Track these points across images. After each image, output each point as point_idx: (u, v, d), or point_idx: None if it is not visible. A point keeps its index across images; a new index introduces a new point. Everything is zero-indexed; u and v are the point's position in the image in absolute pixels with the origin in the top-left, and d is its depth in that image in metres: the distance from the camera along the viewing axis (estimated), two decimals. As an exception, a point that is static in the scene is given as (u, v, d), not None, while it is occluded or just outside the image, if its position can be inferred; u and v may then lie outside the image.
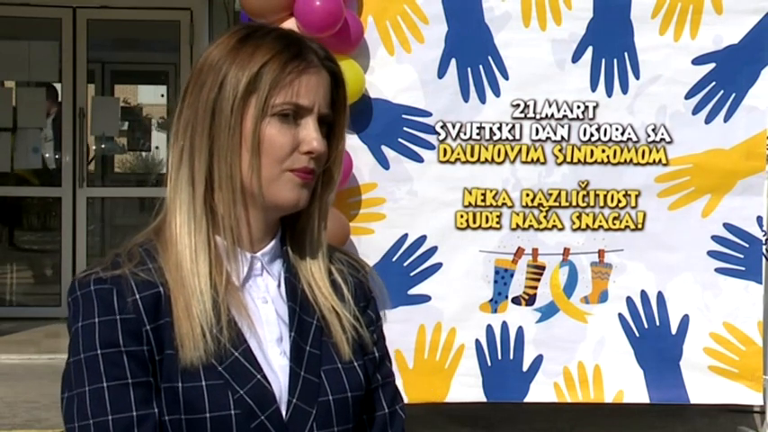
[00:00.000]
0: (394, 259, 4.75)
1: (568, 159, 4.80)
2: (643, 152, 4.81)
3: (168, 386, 1.53)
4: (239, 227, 1.61)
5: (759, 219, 4.84)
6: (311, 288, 1.67)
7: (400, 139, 4.75)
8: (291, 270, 1.67)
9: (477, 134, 4.77)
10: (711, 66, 4.80)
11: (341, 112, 1.68)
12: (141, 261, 1.57)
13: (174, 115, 1.63)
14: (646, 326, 4.84)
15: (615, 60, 4.79)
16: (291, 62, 1.59)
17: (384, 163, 4.74)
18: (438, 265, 4.76)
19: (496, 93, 4.77)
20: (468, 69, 4.75)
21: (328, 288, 1.68)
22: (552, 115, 4.79)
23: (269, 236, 1.66)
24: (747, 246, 4.85)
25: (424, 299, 4.77)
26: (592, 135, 4.80)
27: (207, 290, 1.55)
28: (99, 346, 1.51)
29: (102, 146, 11.28)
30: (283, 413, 1.57)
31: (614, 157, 4.81)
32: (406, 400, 1.82)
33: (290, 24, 4.49)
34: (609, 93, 4.79)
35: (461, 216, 4.78)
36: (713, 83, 4.80)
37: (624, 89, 4.79)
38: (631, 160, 4.81)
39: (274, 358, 1.59)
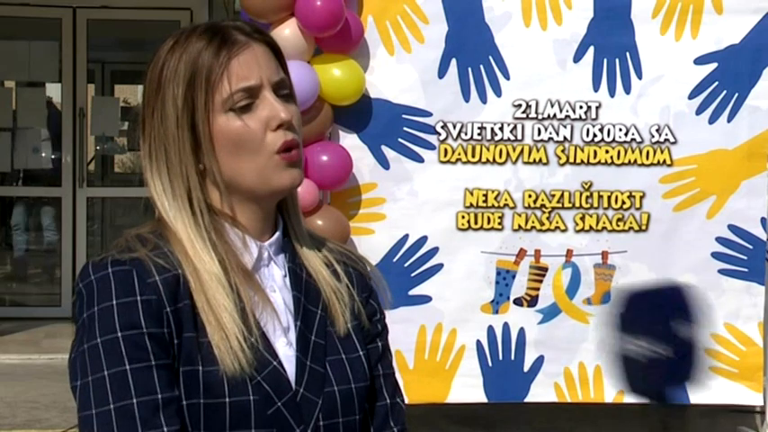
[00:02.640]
0: (395, 260, 4.75)
1: (571, 160, 4.79)
2: (647, 153, 4.80)
3: (188, 369, 1.51)
4: (240, 218, 1.61)
5: (763, 220, 4.83)
6: (315, 279, 1.67)
7: (400, 139, 4.74)
8: (296, 260, 1.66)
9: (479, 134, 4.77)
10: (713, 66, 4.79)
11: (290, 77, 1.68)
12: (156, 245, 1.56)
13: (138, 144, 1.63)
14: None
15: (617, 60, 4.78)
16: (220, 52, 1.57)
17: (384, 163, 4.74)
18: (439, 266, 4.75)
19: (497, 93, 4.76)
20: (469, 69, 4.74)
21: (331, 278, 1.68)
22: (554, 115, 4.78)
23: (271, 226, 1.65)
24: (751, 247, 4.84)
25: (425, 299, 4.76)
26: (595, 135, 4.79)
27: (222, 283, 1.55)
28: (119, 328, 1.48)
29: (103, 146, 11.29)
30: None
31: (618, 157, 4.79)
32: (406, 401, 1.81)
33: (291, 24, 4.48)
34: (611, 93, 4.78)
35: (462, 217, 4.77)
36: (716, 83, 4.79)
37: (627, 89, 4.78)
38: (635, 161, 4.80)
39: (281, 347, 1.59)
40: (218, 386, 1.51)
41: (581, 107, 4.79)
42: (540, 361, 4.82)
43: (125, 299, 1.50)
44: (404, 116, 4.74)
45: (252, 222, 1.62)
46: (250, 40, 1.60)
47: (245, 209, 1.61)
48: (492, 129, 4.77)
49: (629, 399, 4.86)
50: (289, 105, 1.60)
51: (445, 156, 4.75)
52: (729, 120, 4.81)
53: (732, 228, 4.83)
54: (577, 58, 4.77)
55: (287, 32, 4.48)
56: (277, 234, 1.65)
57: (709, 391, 4.87)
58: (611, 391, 4.84)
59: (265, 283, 1.62)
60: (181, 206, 1.58)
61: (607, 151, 4.80)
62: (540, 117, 4.78)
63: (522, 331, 4.81)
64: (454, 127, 4.75)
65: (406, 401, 1.83)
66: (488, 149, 4.77)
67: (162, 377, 1.49)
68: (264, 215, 1.63)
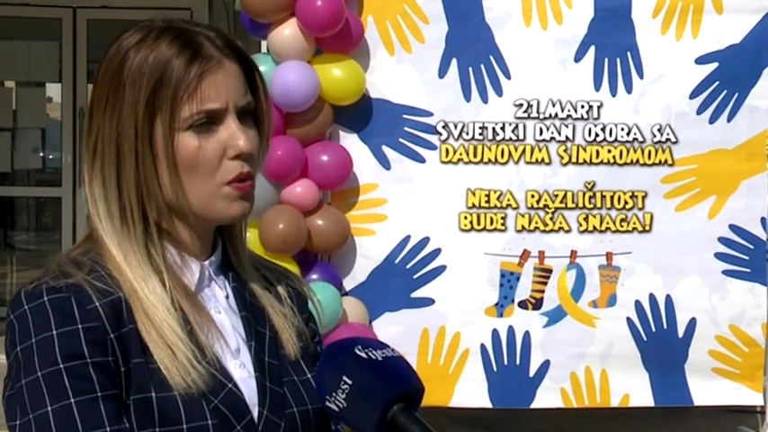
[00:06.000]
0: (397, 261, 4.73)
1: (573, 160, 4.77)
2: (649, 152, 4.79)
3: (140, 397, 1.43)
4: (179, 237, 1.54)
5: (763, 220, 4.83)
6: (259, 300, 1.61)
7: (401, 140, 4.73)
8: (239, 281, 1.60)
9: (480, 134, 4.76)
10: (714, 65, 4.78)
11: (262, 98, 1.57)
12: (92, 268, 1.47)
13: (84, 133, 1.54)
14: (653, 330, 4.81)
15: (618, 60, 4.77)
16: (190, 67, 1.48)
17: (385, 163, 4.73)
18: (442, 268, 4.74)
19: (498, 92, 4.75)
20: (470, 69, 4.74)
21: (275, 300, 1.63)
22: (556, 115, 4.77)
23: (210, 246, 1.59)
24: (752, 247, 4.83)
25: (428, 302, 4.74)
26: (597, 135, 4.78)
27: (162, 299, 1.47)
28: (60, 359, 1.39)
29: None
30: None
31: (620, 157, 4.78)
32: None
33: (291, 24, 4.48)
34: (613, 92, 4.77)
35: (465, 218, 4.76)
36: (716, 82, 4.79)
37: (628, 88, 4.77)
38: (637, 161, 4.79)
39: (234, 370, 1.52)
40: (174, 412, 1.43)
41: (582, 107, 4.78)
42: (545, 366, 4.80)
43: (65, 328, 1.41)
44: (404, 116, 4.73)
45: (191, 241, 1.55)
46: (222, 57, 1.51)
47: (186, 227, 1.54)
48: (493, 128, 4.76)
49: (635, 402, 4.84)
50: (250, 132, 1.53)
51: (447, 156, 4.74)
52: (729, 119, 4.80)
53: (733, 228, 4.83)
54: (578, 57, 4.77)
55: (287, 32, 4.48)
56: (216, 253, 1.59)
57: (712, 393, 4.86)
58: (617, 395, 4.83)
59: (209, 305, 1.55)
60: (120, 218, 1.50)
61: (609, 151, 4.78)
62: (541, 117, 4.77)
63: (527, 335, 4.79)
64: (455, 127, 4.74)
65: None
66: (490, 149, 4.76)
67: (109, 409, 1.40)
68: (205, 234, 1.57)
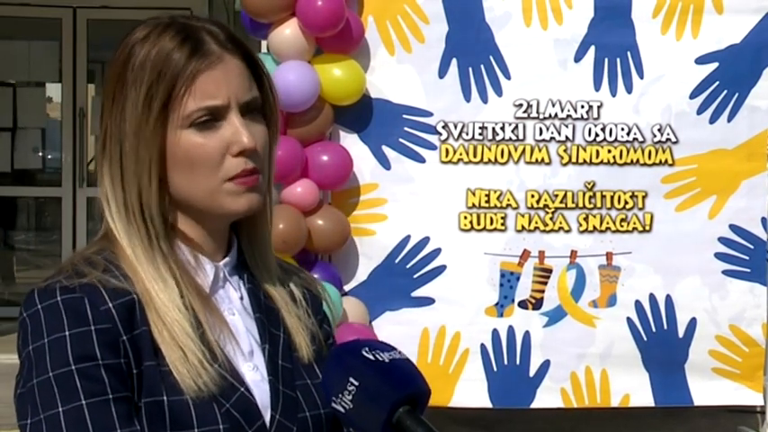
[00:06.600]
0: (397, 261, 4.74)
1: (573, 160, 4.78)
2: (649, 152, 4.79)
3: (151, 400, 1.42)
4: (191, 236, 1.53)
5: (763, 220, 4.83)
6: (274, 302, 1.59)
7: (401, 140, 4.73)
8: (254, 282, 1.59)
9: (480, 134, 4.76)
10: (714, 65, 4.78)
11: (268, 92, 1.55)
12: (106, 268, 1.46)
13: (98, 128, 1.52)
14: (654, 330, 4.82)
15: (618, 60, 4.78)
16: (189, 62, 1.46)
17: (385, 163, 4.73)
18: (442, 268, 4.74)
19: (498, 92, 4.75)
20: (470, 69, 4.74)
21: (290, 302, 1.61)
22: (556, 115, 4.77)
23: (225, 246, 1.57)
24: (752, 247, 4.84)
25: (428, 302, 4.74)
26: (597, 135, 4.78)
27: (174, 299, 1.46)
28: (72, 360, 1.38)
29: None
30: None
31: (620, 157, 4.79)
32: None
33: (292, 24, 4.48)
34: (613, 92, 4.78)
35: (465, 217, 4.76)
36: (717, 82, 4.79)
37: (628, 88, 4.78)
38: (638, 161, 4.79)
39: (247, 372, 1.51)
40: (186, 416, 1.42)
41: (582, 107, 4.78)
42: (545, 366, 4.80)
43: (78, 329, 1.40)
44: (405, 116, 4.73)
45: (205, 241, 1.54)
46: (224, 52, 1.49)
47: (197, 226, 1.53)
48: (493, 128, 4.76)
49: (635, 402, 4.84)
50: (255, 127, 1.50)
51: (446, 156, 4.74)
52: (729, 119, 4.80)
53: (733, 227, 4.83)
54: (578, 57, 4.77)
55: (288, 32, 4.48)
56: (231, 254, 1.57)
57: (712, 393, 4.86)
58: (617, 395, 4.83)
59: (222, 306, 1.54)
60: (131, 217, 1.48)
61: (609, 151, 4.79)
62: (541, 117, 4.77)
63: (527, 335, 4.79)
64: (455, 127, 4.74)
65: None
66: (490, 149, 4.76)
67: (120, 411, 1.39)
68: (218, 234, 1.55)
